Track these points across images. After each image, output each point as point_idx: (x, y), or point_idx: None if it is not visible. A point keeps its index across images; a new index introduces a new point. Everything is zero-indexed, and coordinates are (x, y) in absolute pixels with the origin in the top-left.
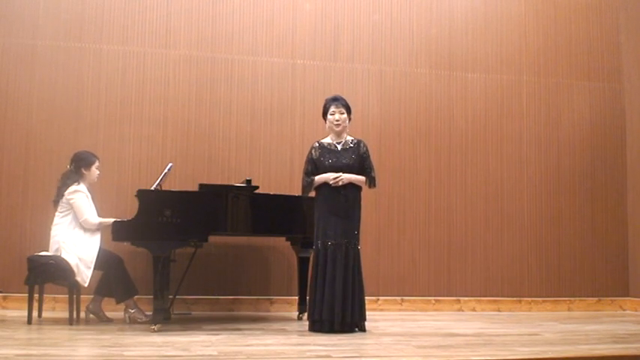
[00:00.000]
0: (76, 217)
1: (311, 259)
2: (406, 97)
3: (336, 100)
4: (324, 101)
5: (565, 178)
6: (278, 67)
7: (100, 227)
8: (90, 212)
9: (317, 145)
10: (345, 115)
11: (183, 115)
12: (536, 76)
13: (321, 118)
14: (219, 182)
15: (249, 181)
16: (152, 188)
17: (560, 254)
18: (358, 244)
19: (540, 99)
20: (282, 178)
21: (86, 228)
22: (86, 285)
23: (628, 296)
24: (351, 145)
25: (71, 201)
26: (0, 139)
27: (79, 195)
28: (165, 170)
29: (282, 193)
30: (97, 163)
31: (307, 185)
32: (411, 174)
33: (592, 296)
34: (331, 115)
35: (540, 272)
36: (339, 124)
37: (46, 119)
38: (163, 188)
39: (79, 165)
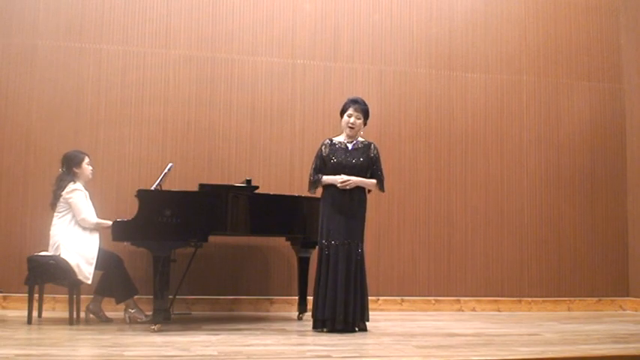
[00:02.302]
0: (74, 216)
1: (313, 258)
2: (406, 97)
3: (357, 102)
4: (346, 99)
5: (565, 178)
6: (278, 67)
7: (97, 227)
8: (88, 211)
9: (328, 142)
10: (361, 121)
11: (183, 115)
12: (536, 76)
13: (322, 117)
14: (219, 182)
15: (249, 181)
16: (152, 188)
17: (560, 254)
18: (362, 245)
19: (540, 99)
20: (282, 178)
21: (84, 227)
22: (89, 282)
23: (628, 296)
24: (362, 146)
25: (70, 200)
26: (0, 139)
27: (78, 193)
28: (166, 170)
29: (282, 193)
30: (86, 159)
31: (314, 182)
32: (411, 174)
33: (592, 296)
34: (348, 116)
35: (540, 272)
36: (352, 128)
37: (46, 119)
38: (163, 188)
39: (69, 165)
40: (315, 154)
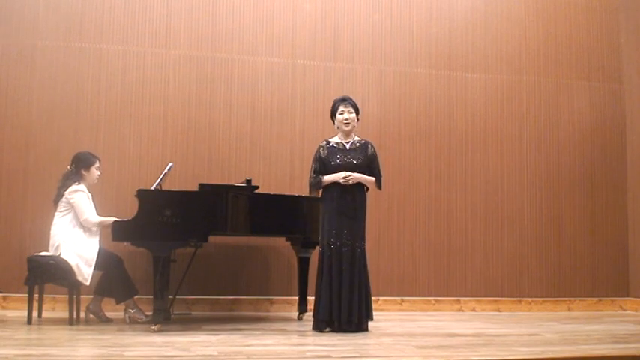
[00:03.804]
0: (75, 217)
1: (313, 258)
2: (406, 97)
3: (345, 100)
4: (333, 102)
5: (565, 178)
6: (278, 67)
7: (100, 226)
8: (90, 212)
9: (325, 143)
10: (354, 115)
11: (183, 115)
12: (536, 76)
13: (322, 117)
14: (219, 182)
15: (249, 181)
16: (152, 188)
17: (560, 254)
18: (364, 245)
19: (540, 99)
20: (282, 178)
21: (86, 227)
22: (88, 283)
23: (628, 296)
24: (359, 146)
25: (71, 200)
26: (0, 139)
27: (80, 195)
28: (166, 170)
29: (282, 193)
30: (97, 164)
31: (315, 184)
32: (411, 174)
33: (592, 296)
34: (340, 114)
35: (540, 272)
36: (348, 123)
37: (46, 119)
38: (163, 188)
39: (78, 166)
40: (312, 157)
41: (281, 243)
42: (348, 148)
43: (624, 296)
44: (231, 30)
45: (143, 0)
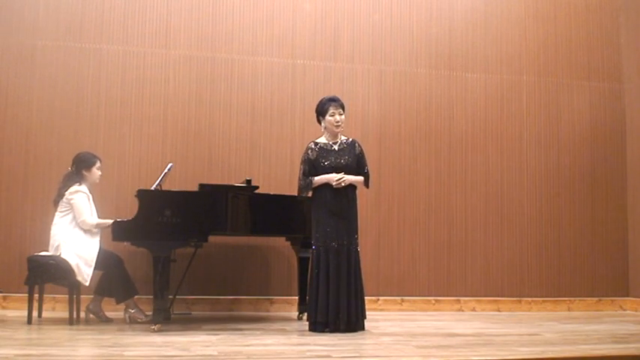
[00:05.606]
0: (75, 217)
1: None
2: (406, 97)
3: (335, 100)
4: (321, 101)
5: (565, 178)
6: (278, 67)
7: (97, 228)
8: (88, 213)
9: (313, 145)
10: (343, 116)
11: (183, 115)
12: (536, 76)
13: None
14: (219, 182)
15: (249, 181)
16: (152, 188)
17: (560, 254)
18: (358, 245)
19: (540, 99)
20: (282, 178)
21: (84, 229)
22: (87, 284)
23: (628, 296)
24: (347, 145)
25: (72, 201)
26: (0, 139)
27: (80, 195)
28: (166, 170)
29: (282, 193)
30: (98, 164)
31: (306, 186)
32: (411, 174)
33: (592, 296)
34: (331, 116)
35: (540, 272)
36: (339, 125)
37: (46, 119)
38: (163, 188)
39: (79, 167)
40: (301, 159)
41: (281, 243)
42: (337, 149)
43: (624, 296)
44: (231, 30)
45: (143, 0)
